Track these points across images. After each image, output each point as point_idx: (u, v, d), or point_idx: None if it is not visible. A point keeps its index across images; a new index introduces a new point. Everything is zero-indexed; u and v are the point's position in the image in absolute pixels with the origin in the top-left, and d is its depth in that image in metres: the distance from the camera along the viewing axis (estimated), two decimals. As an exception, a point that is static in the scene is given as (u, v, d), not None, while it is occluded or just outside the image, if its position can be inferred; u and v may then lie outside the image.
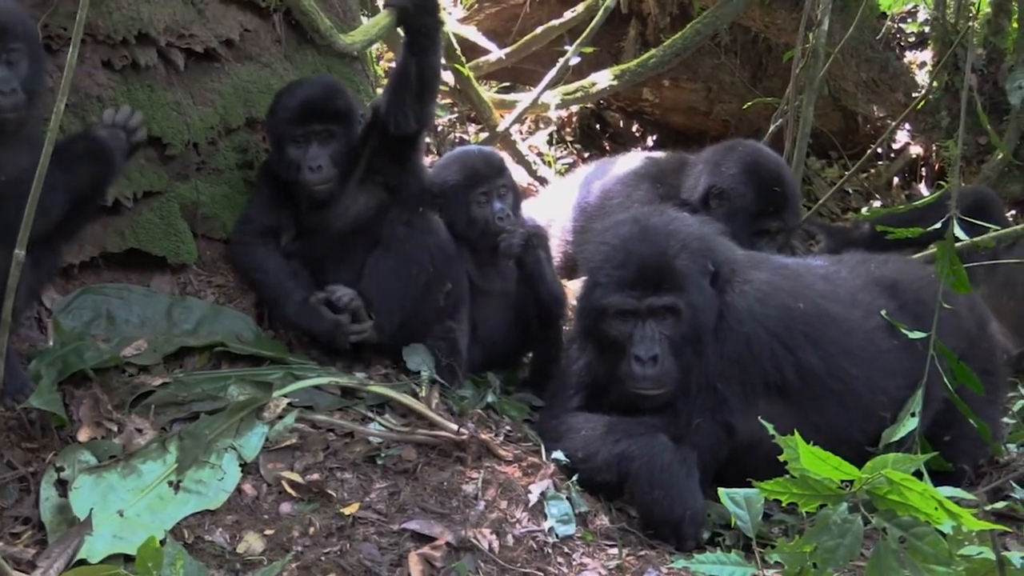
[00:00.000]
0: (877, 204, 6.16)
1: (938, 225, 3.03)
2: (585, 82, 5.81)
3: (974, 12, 5.57)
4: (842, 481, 1.87)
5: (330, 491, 2.59)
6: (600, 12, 5.25)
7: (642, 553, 2.67)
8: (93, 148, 2.67)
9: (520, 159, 5.83)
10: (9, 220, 2.40)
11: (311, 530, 2.47)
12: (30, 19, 2.70)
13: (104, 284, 3.06)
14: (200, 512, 2.50)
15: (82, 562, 2.28)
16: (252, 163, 3.45)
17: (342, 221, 3.30)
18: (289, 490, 2.60)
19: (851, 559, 1.87)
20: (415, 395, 3.00)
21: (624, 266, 2.89)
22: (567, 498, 2.73)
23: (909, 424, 2.97)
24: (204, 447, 2.62)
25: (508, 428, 3.06)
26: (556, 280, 3.51)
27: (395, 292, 3.17)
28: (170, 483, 2.54)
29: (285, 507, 2.56)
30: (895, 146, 6.42)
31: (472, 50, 5.75)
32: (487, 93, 5.82)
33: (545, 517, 2.65)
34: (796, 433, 1.87)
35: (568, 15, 5.75)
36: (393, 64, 3.37)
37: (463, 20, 6.23)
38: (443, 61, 5.07)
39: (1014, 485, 3.19)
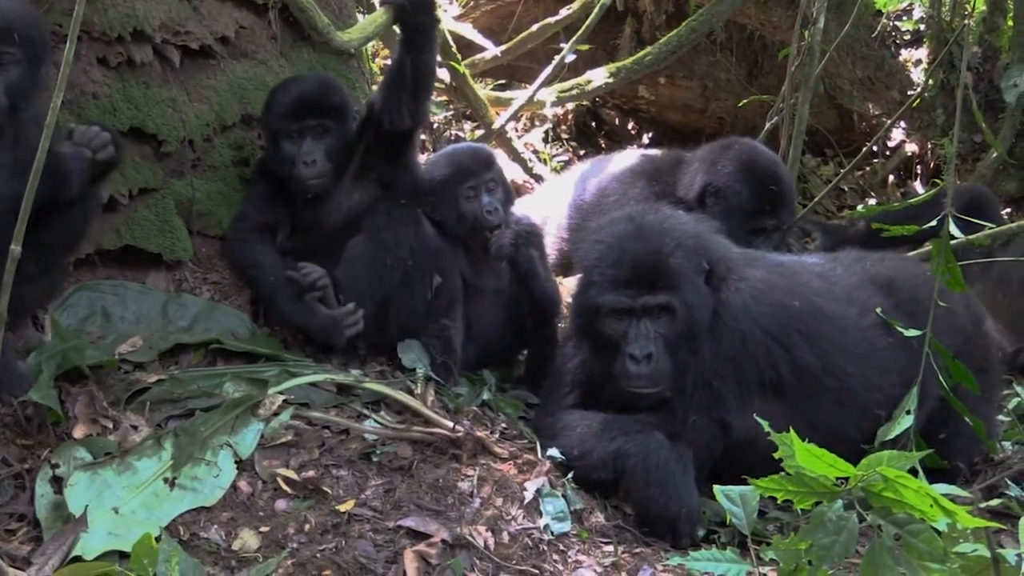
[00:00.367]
0: (872, 202, 6.17)
1: (933, 223, 3.03)
2: (581, 79, 5.80)
3: (969, 10, 5.58)
4: (837, 478, 1.88)
5: (325, 488, 2.59)
6: (596, 9, 5.25)
7: (637, 550, 2.67)
8: (50, 162, 2.59)
9: (516, 156, 5.83)
10: None
11: (306, 527, 2.47)
12: (37, 22, 2.67)
13: (100, 281, 3.06)
14: (195, 509, 2.50)
15: (77, 559, 2.28)
16: (248, 160, 3.45)
17: (336, 216, 3.31)
18: (284, 487, 2.60)
19: (846, 556, 1.87)
20: (410, 392, 3.01)
21: (619, 264, 2.88)
22: (563, 495, 2.73)
23: (904, 422, 2.97)
24: (199, 444, 2.62)
25: (503, 425, 3.06)
26: (550, 278, 3.51)
27: (366, 279, 3.15)
28: (165, 480, 2.54)
29: (280, 504, 2.56)
30: (890, 144, 6.43)
31: (468, 47, 5.74)
32: (483, 90, 5.81)
33: (540, 514, 2.65)
34: (792, 430, 1.87)
35: (564, 12, 5.74)
36: (388, 61, 3.36)
37: (459, 17, 6.23)
38: (439, 58, 5.08)
39: (1009, 483, 3.19)
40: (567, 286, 3.62)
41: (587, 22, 5.26)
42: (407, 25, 3.17)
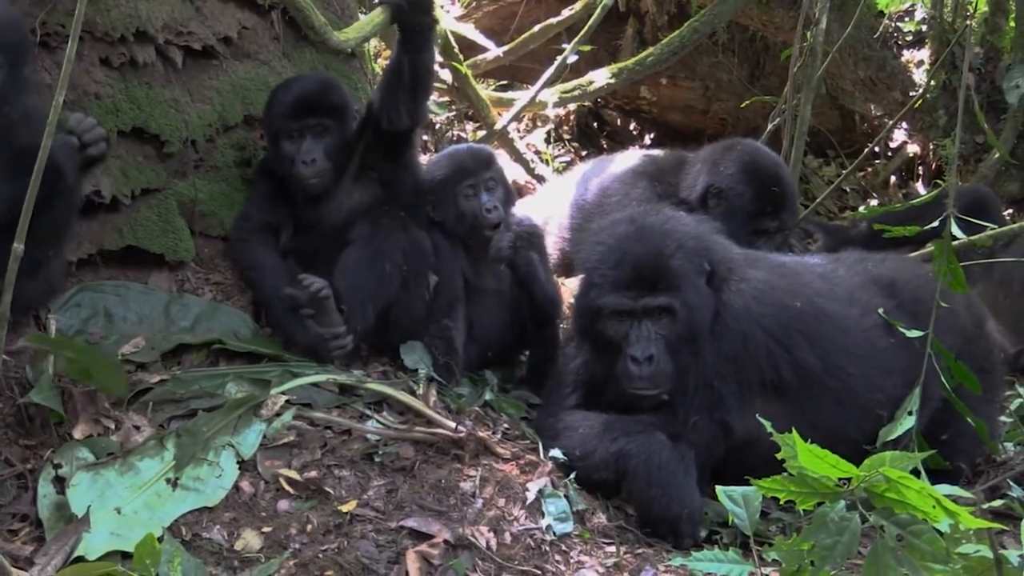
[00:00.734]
0: (874, 203, 6.17)
1: (935, 224, 3.04)
2: (583, 80, 5.80)
3: (971, 11, 5.58)
4: (840, 479, 1.88)
5: (328, 489, 2.59)
6: (598, 10, 5.25)
7: (639, 551, 2.67)
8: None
9: (518, 157, 5.83)
10: None
11: (309, 528, 2.47)
12: (16, 24, 2.66)
13: (102, 281, 3.06)
14: (198, 509, 2.50)
15: (80, 559, 2.27)
16: (250, 161, 3.45)
17: (337, 216, 3.31)
18: (287, 487, 2.60)
19: (848, 557, 1.87)
20: (413, 393, 3.01)
21: (620, 266, 2.89)
22: (565, 496, 2.73)
23: (906, 422, 2.97)
24: (202, 444, 2.62)
25: (506, 426, 3.06)
26: (551, 280, 3.51)
27: (365, 286, 3.14)
28: (168, 480, 2.54)
29: (283, 504, 2.56)
30: (892, 145, 6.43)
31: (470, 48, 5.75)
32: (485, 91, 5.82)
33: (543, 515, 2.65)
34: (794, 431, 1.87)
35: (566, 13, 5.74)
36: (388, 61, 3.36)
37: (461, 18, 6.23)
38: (441, 59, 5.10)
39: (1011, 483, 3.19)
40: (569, 287, 3.62)
41: (589, 23, 5.26)
42: (405, 25, 3.17)
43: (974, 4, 5.57)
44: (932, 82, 5.72)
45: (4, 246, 2.23)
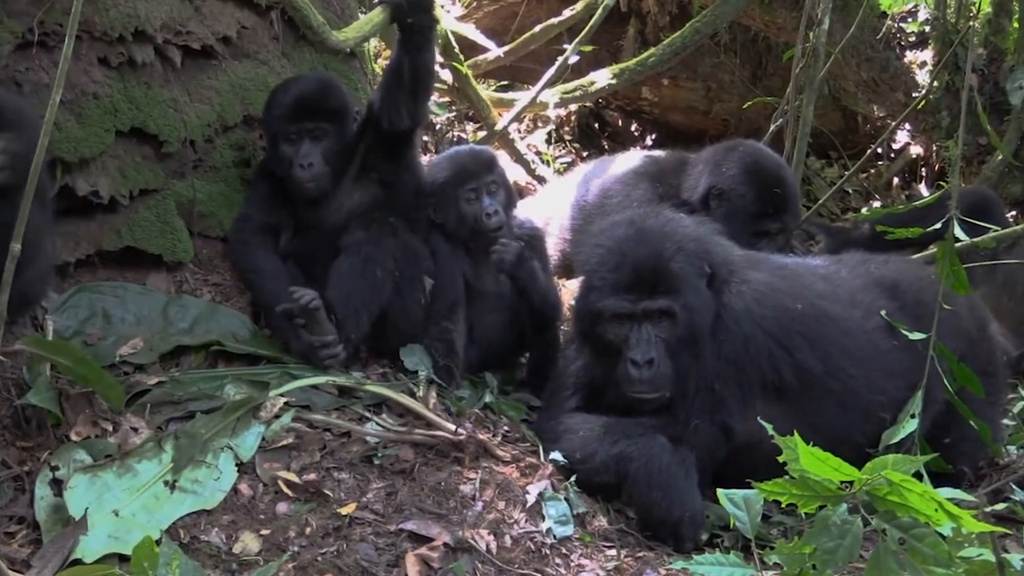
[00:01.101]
0: (877, 204, 6.16)
1: (938, 225, 3.03)
2: (584, 81, 5.80)
3: (975, 12, 5.57)
4: (841, 482, 1.88)
5: (327, 491, 2.59)
6: (599, 10, 5.25)
7: (640, 554, 2.67)
8: None
9: (518, 158, 5.83)
10: None
11: (307, 530, 2.47)
12: None
13: (100, 282, 3.06)
14: (196, 512, 2.50)
15: (77, 562, 2.27)
16: (249, 161, 3.45)
17: (337, 217, 3.30)
18: (285, 490, 2.60)
19: (850, 560, 1.87)
20: (412, 395, 3.01)
21: (619, 269, 2.88)
22: (565, 499, 2.73)
23: (909, 425, 2.97)
24: (200, 446, 2.62)
25: (506, 428, 3.06)
26: (551, 286, 3.51)
27: (357, 295, 3.12)
28: (166, 483, 2.54)
29: (281, 507, 2.55)
30: (895, 146, 6.42)
31: (471, 48, 5.74)
32: (485, 91, 5.82)
33: (543, 518, 2.65)
34: (796, 434, 1.87)
35: (567, 13, 5.74)
36: (388, 61, 3.36)
37: (461, 18, 6.23)
38: (441, 59, 5.09)
39: (1014, 487, 3.19)
40: (569, 288, 3.63)
41: (590, 23, 5.26)
42: (404, 25, 3.16)
43: (977, 5, 5.55)
44: (935, 83, 5.72)
45: None
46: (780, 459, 1.91)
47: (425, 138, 5.78)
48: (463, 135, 6.16)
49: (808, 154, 5.20)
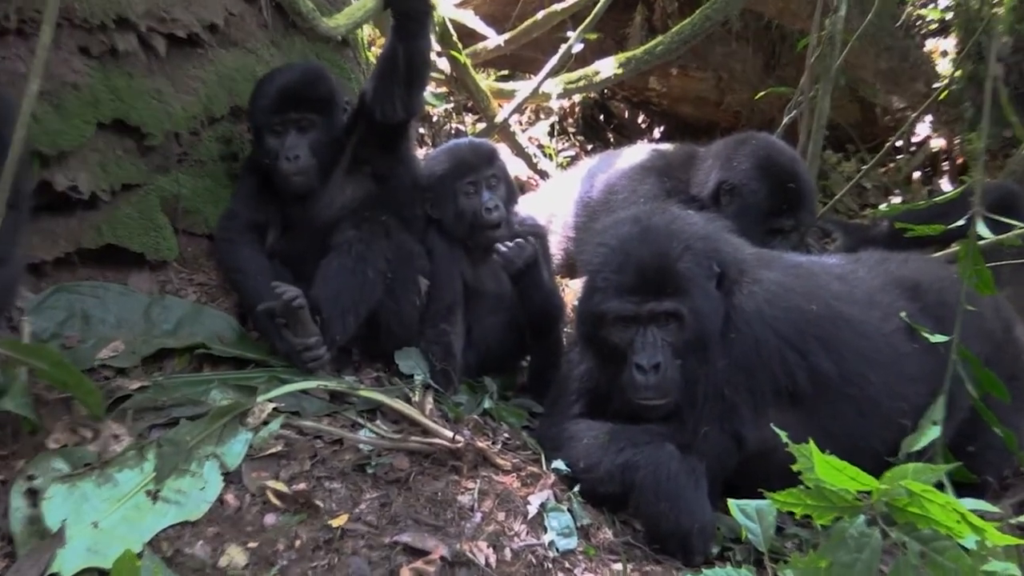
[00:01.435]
0: (896, 200, 6.17)
1: (961, 222, 3.03)
2: (588, 70, 5.81)
3: (999, -3, 5.57)
4: (859, 492, 1.88)
5: (317, 502, 2.58)
6: (604, -4, 5.26)
7: (647, 568, 2.67)
8: None
9: (519, 151, 5.84)
10: None
11: (297, 543, 2.47)
12: None
13: (79, 282, 3.06)
14: (180, 523, 2.49)
15: (54, 576, 2.27)
16: (236, 155, 3.45)
17: (328, 212, 3.31)
18: (274, 500, 2.59)
19: (869, 575, 1.87)
20: (408, 400, 3.00)
21: (623, 270, 2.88)
22: (568, 510, 2.73)
23: (931, 433, 2.97)
24: (184, 455, 2.62)
25: (506, 436, 3.06)
26: (553, 288, 3.51)
27: (346, 295, 3.12)
28: (148, 493, 2.53)
29: (270, 518, 2.55)
30: (915, 139, 6.43)
31: (469, 36, 5.75)
32: (485, 81, 5.82)
33: (545, 530, 2.65)
34: (811, 442, 1.87)
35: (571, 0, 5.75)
36: (382, 50, 3.36)
37: (460, 4, 6.22)
38: (438, 48, 5.10)
39: (1041, 498, 3.19)
40: (572, 289, 3.62)
41: (595, 9, 5.26)
42: (398, 11, 3.16)
43: (1002, -10, 5.56)
44: (958, 72, 5.71)
45: None
46: (794, 468, 1.91)
47: (421, 131, 5.80)
48: (461, 127, 6.17)
49: (824, 147, 5.20)
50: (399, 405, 2.95)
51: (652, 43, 5.77)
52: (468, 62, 5.48)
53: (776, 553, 2.57)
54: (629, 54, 5.81)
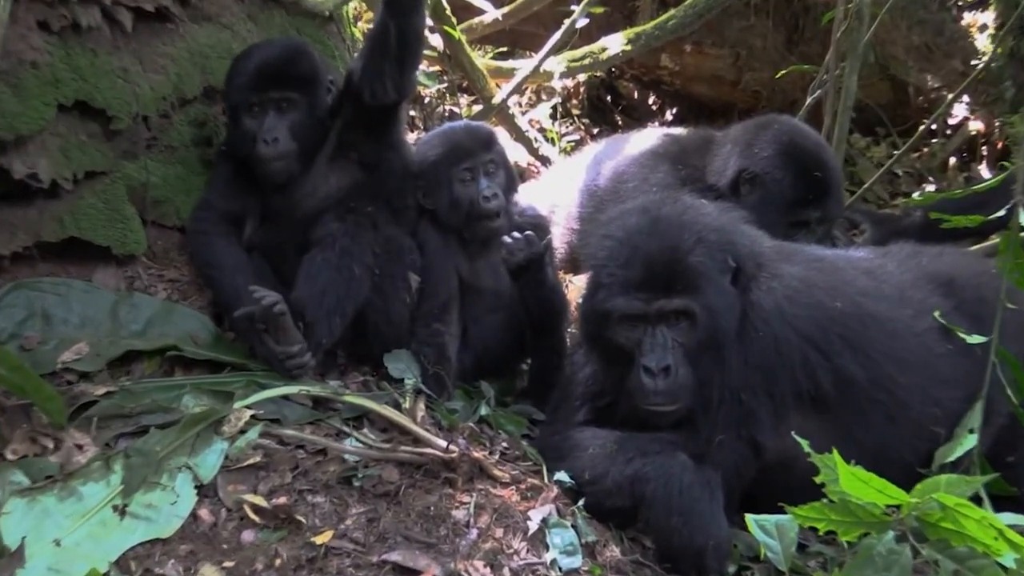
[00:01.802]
0: (930, 188, 6.17)
1: (1001, 212, 3.03)
2: (594, 47, 5.81)
3: (1043, -33, 5.58)
4: (888, 506, 1.88)
5: (299, 517, 2.59)
6: (612, -34, 5.26)
7: (658, 588, 2.68)
8: None
9: (519, 136, 5.84)
10: None
11: (277, 562, 2.48)
12: None
13: (39, 278, 3.07)
14: (149, 541, 2.50)
15: (13, 598, 2.28)
16: (210, 139, 3.45)
17: (310, 204, 3.31)
18: (252, 516, 2.60)
19: (898, 596, 1.88)
20: (398, 406, 3.01)
21: (630, 264, 2.88)
22: (572, 526, 2.73)
23: (967, 442, 2.97)
24: (154, 466, 2.63)
25: (504, 445, 3.06)
26: (556, 286, 3.50)
27: (331, 294, 3.12)
28: (115, 508, 2.54)
29: (247, 535, 2.56)
30: (952, 121, 6.43)
31: (465, 10, 5.75)
32: (481, 59, 5.82)
33: (547, 547, 2.66)
34: (835, 451, 1.88)
35: (575, -30, 5.76)
36: (372, 26, 3.37)
37: (454, -26, 6.24)
38: (431, 22, 5.09)
39: (1087, 513, 3.19)
40: (576, 285, 3.63)
41: (602, -20, 5.27)
42: None
43: (1046, -41, 5.57)
44: (998, 49, 5.71)
45: None
46: (817, 480, 1.92)
47: (412, 114, 5.79)
48: (456, 109, 6.17)
49: (851, 131, 5.21)
50: (388, 412, 2.95)
51: (664, 17, 5.78)
52: (463, 38, 5.48)
53: (797, 572, 2.57)
54: (639, 29, 5.82)
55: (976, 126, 6.36)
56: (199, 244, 3.27)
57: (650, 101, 7.12)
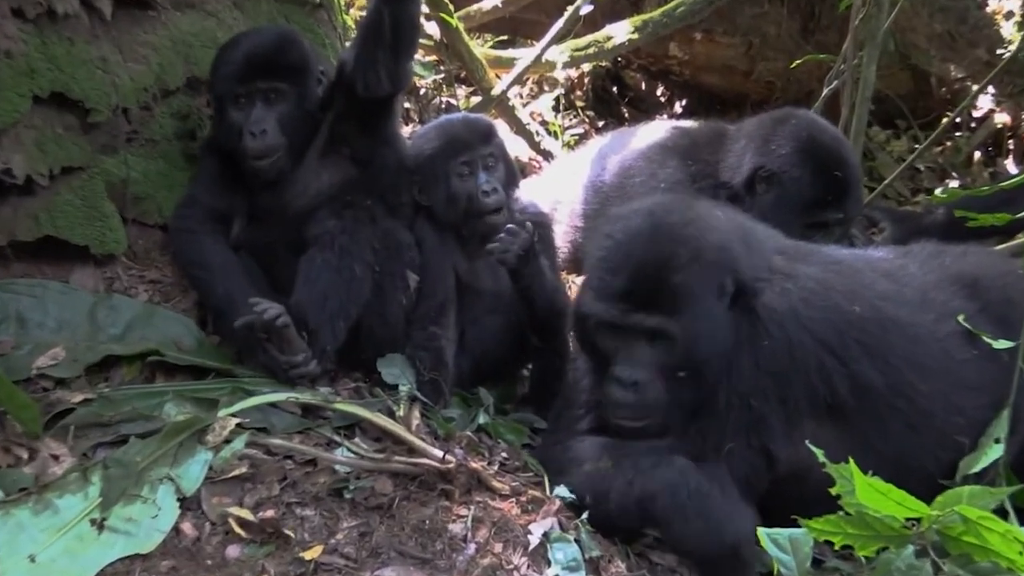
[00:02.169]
0: (954, 184, 6.17)
1: (1029, 210, 3.04)
2: (599, 35, 5.81)
3: (1073, -50, 5.59)
4: (907, 519, 1.88)
5: (287, 531, 2.59)
6: (618, -50, 5.27)
7: (666, 607, 2.68)
8: None
9: (520, 129, 5.84)
10: None
11: (264, 578, 2.48)
12: None
13: (13, 279, 3.07)
14: (129, 557, 2.50)
15: (-15, 617, 2.29)
16: (194, 132, 3.46)
17: (301, 201, 3.31)
18: (238, 530, 2.60)
19: (918, 613, 1.88)
20: (391, 414, 3.01)
21: (618, 271, 2.88)
22: (575, 540, 2.73)
23: (992, 452, 2.97)
24: (134, 478, 2.63)
25: (504, 455, 3.06)
26: (558, 287, 3.50)
27: (333, 297, 3.13)
28: (93, 522, 2.54)
29: (233, 550, 2.56)
30: (976, 114, 6.43)
31: (462, -4, 5.76)
32: (480, 48, 5.83)
33: (549, 563, 2.66)
34: (851, 461, 1.88)
35: (579, -46, 5.75)
36: (364, 13, 3.37)
37: (451, -41, 6.24)
38: (427, 9, 5.09)
39: (1118, 526, 3.19)
40: (579, 285, 3.62)
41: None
42: None
43: (1077, -57, 5.58)
44: (1025, 37, 5.72)
45: None
46: (833, 491, 1.92)
47: (407, 105, 5.79)
48: (453, 101, 6.17)
49: (870, 124, 5.22)
50: (381, 420, 2.95)
51: (672, 3, 5.78)
52: (461, 26, 5.49)
53: (814, 589, 2.57)
54: (646, 16, 5.82)
55: (1002, 119, 6.36)
56: (184, 243, 3.27)
57: (658, 92, 7.13)
